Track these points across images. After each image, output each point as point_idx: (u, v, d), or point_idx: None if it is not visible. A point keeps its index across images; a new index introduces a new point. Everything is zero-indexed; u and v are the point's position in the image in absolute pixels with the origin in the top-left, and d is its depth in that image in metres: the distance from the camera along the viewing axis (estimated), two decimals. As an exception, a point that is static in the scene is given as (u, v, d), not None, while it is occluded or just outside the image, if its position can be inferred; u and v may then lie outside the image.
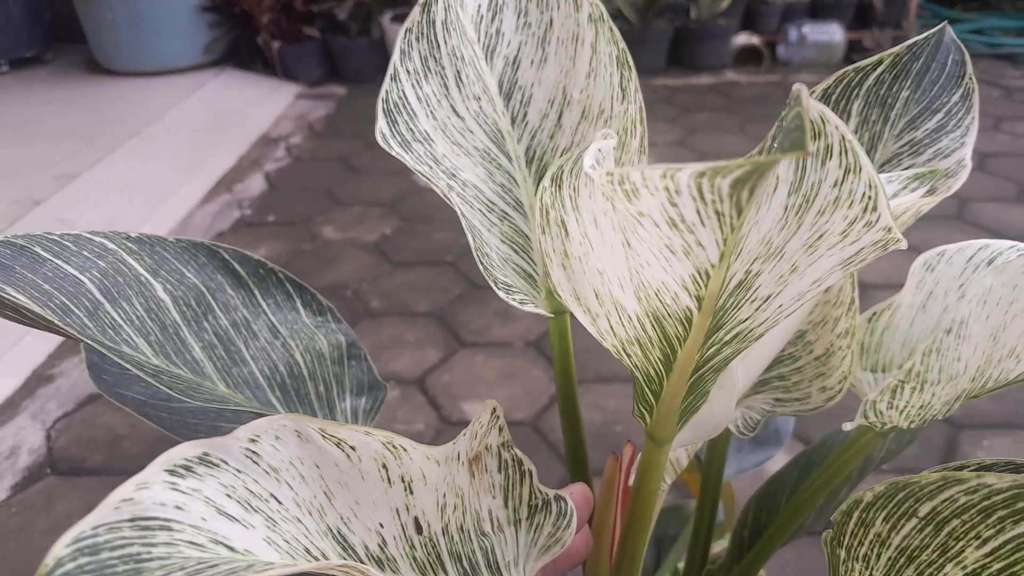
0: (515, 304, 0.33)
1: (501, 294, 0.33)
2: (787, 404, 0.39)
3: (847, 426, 0.32)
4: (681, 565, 0.59)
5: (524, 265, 0.37)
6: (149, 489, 0.14)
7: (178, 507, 0.14)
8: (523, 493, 0.25)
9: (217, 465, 0.16)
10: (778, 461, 1.05)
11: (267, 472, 0.17)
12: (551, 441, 1.23)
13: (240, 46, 3.27)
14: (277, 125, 2.76)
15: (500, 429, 0.25)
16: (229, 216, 2.09)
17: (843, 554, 0.26)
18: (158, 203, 2.09)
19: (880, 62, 0.40)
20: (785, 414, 0.39)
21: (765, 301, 0.22)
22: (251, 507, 0.16)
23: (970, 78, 0.41)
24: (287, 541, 0.17)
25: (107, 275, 0.35)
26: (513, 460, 0.26)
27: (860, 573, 0.25)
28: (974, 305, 0.27)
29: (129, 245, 0.39)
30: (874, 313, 0.36)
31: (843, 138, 0.18)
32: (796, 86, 0.17)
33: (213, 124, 2.70)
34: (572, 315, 0.39)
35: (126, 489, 0.14)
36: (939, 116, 0.41)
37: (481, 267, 0.33)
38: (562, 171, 0.23)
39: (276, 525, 0.17)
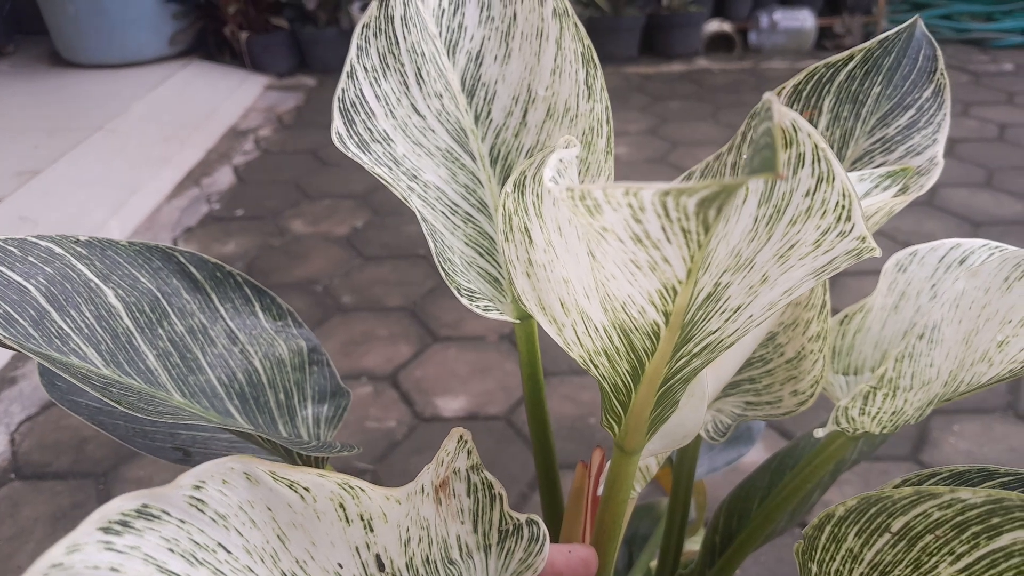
0: (479, 311, 0.32)
1: (464, 301, 0.32)
2: (758, 408, 0.39)
3: (819, 433, 0.31)
4: (653, 564, 0.59)
5: (489, 268, 0.36)
6: (81, 552, 0.13)
7: (113, 569, 0.13)
8: (493, 517, 0.24)
9: (158, 517, 0.14)
10: (751, 456, 1.05)
11: (214, 520, 0.15)
12: (525, 434, 1.22)
13: (207, 37, 3.21)
14: (246, 117, 2.72)
15: (469, 452, 0.24)
16: (197, 211, 2.05)
17: (815, 569, 0.25)
18: (124, 198, 2.05)
19: (851, 57, 0.40)
20: (756, 419, 0.38)
21: (735, 312, 0.22)
22: (196, 560, 0.15)
23: (942, 73, 0.41)
24: None
25: (54, 282, 0.33)
26: (483, 483, 0.24)
27: None
28: (947, 309, 0.27)
29: (78, 249, 0.38)
30: (845, 316, 0.35)
31: (816, 147, 0.17)
32: (766, 96, 0.16)
33: (180, 117, 2.66)
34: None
35: (56, 553, 0.13)
36: (911, 112, 0.41)
37: (443, 273, 0.32)
38: (524, 177, 0.22)
39: None
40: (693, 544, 0.64)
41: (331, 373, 0.44)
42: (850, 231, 0.19)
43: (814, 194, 0.18)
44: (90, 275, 0.37)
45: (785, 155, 0.17)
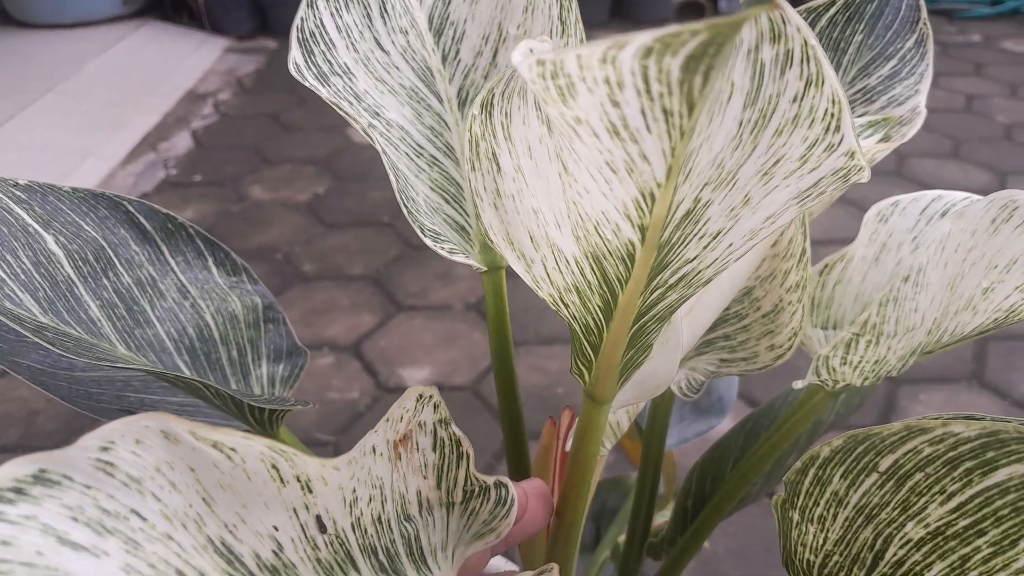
0: (444, 254, 0.30)
1: (428, 242, 0.30)
2: (733, 364, 0.38)
3: (798, 384, 0.30)
4: (622, 539, 0.58)
5: (456, 216, 0.35)
6: None
7: (5, 543, 0.11)
8: (458, 476, 0.23)
9: (58, 483, 0.12)
10: (723, 427, 1.05)
11: (126, 484, 0.13)
12: (492, 405, 1.21)
13: (163, -3, 3.11)
14: (204, 80, 2.64)
15: (436, 406, 0.22)
16: (154, 176, 1.99)
17: (796, 517, 0.24)
18: (76, 163, 1.98)
19: (833, 2, 0.38)
20: (731, 374, 0.37)
21: (714, 239, 0.20)
22: (105, 529, 0.13)
23: (924, 23, 0.40)
24: (153, 566, 0.14)
25: (-13, 226, 0.31)
26: (451, 439, 0.23)
27: (815, 536, 0.24)
28: (932, 252, 0.26)
29: (16, 193, 0.35)
30: (825, 265, 0.34)
31: (805, 43, 0.16)
32: None
33: (135, 79, 2.57)
34: (508, 271, 0.36)
35: None
36: (893, 63, 0.40)
37: (406, 211, 0.30)
38: (492, 95, 0.20)
39: (139, 547, 0.13)
40: (661, 518, 0.64)
41: (288, 332, 0.42)
42: (838, 144, 0.17)
43: (802, 100, 0.17)
44: (29, 220, 0.34)
45: (772, 51, 0.16)
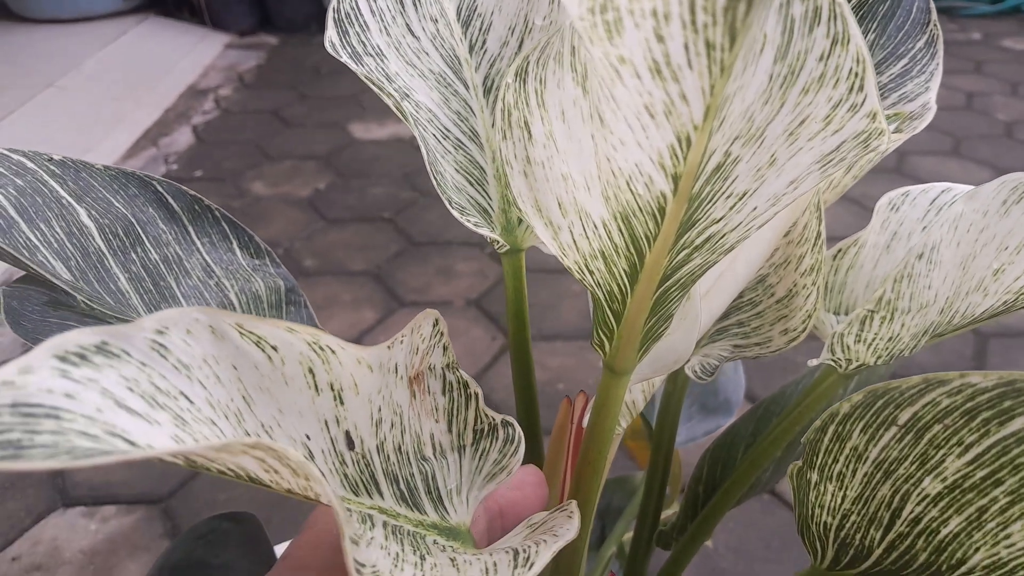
0: (470, 226, 0.32)
1: (455, 213, 0.31)
2: (747, 349, 0.39)
3: (812, 362, 0.31)
4: (627, 537, 0.58)
5: (479, 198, 0.36)
6: (34, 374, 0.12)
7: (68, 395, 0.12)
8: (468, 417, 0.24)
9: (118, 356, 0.13)
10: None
11: (176, 368, 0.14)
12: (493, 401, 1.22)
13: (164, -7, 3.11)
14: (205, 76, 2.64)
15: (444, 348, 0.23)
16: (155, 171, 2.00)
17: (815, 477, 0.25)
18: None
19: (847, 2, 0.40)
20: (745, 357, 0.38)
21: (740, 199, 0.21)
22: (157, 403, 0.14)
23: (935, 25, 0.41)
24: (198, 441, 0.14)
25: (24, 194, 0.32)
26: (459, 382, 0.24)
27: (833, 495, 0.24)
28: (945, 230, 0.27)
29: (51, 167, 0.36)
30: (839, 250, 0.35)
31: (833, 1, 0.16)
32: None
33: (136, 75, 2.57)
34: (526, 254, 0.38)
35: (7, 372, 0.12)
36: (904, 62, 0.41)
37: (435, 183, 0.31)
38: (527, 62, 0.21)
39: (186, 424, 0.14)
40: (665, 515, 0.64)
41: (309, 315, 0.43)
42: (861, 104, 0.18)
43: (828, 58, 0.17)
44: (63, 192, 0.35)
45: (802, 7, 0.16)
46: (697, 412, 0.62)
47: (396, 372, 0.21)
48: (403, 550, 0.19)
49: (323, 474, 0.18)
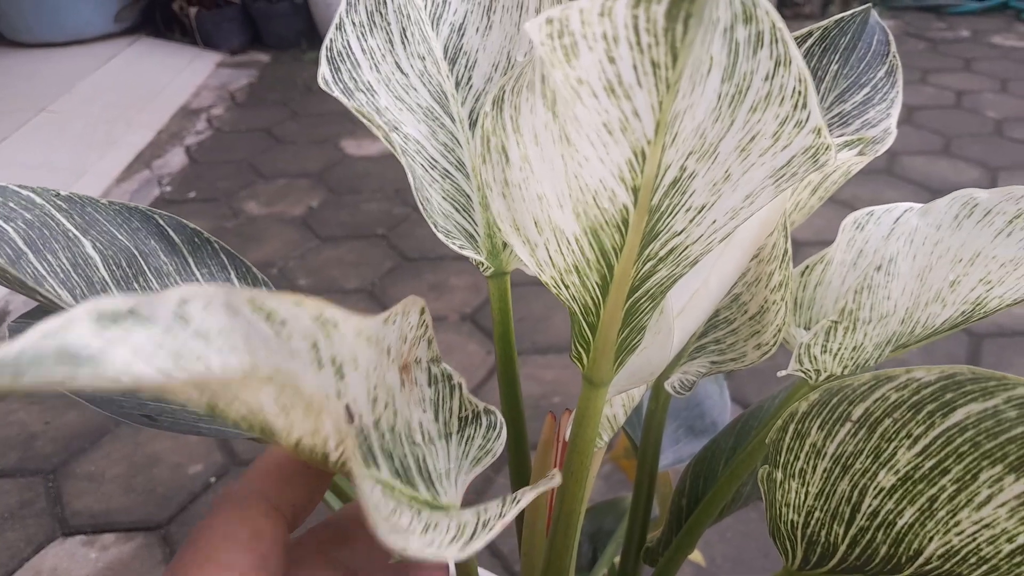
0: (455, 248, 0.34)
1: (441, 236, 0.33)
2: (723, 364, 0.40)
3: (781, 374, 0.33)
4: (618, 559, 0.60)
5: (465, 224, 0.37)
6: (73, 331, 0.13)
7: (103, 349, 0.14)
8: (453, 405, 0.26)
9: (146, 320, 0.15)
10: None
11: (197, 336, 0.16)
12: (486, 412, 1.23)
13: (154, 13, 3.13)
14: (197, 96, 2.66)
15: (429, 342, 0.25)
16: (149, 194, 2.01)
17: (779, 475, 0.26)
18: (71, 182, 1.99)
19: (810, 34, 0.42)
20: (721, 371, 0.40)
21: (699, 212, 0.23)
22: (180, 365, 0.15)
23: (894, 56, 0.43)
24: (224, 369, 0.16)
25: (32, 227, 0.34)
26: (443, 375, 0.26)
27: (796, 492, 0.26)
28: (902, 243, 0.28)
29: (58, 202, 0.38)
30: (807, 266, 0.37)
31: (774, 26, 0.18)
32: None
33: (128, 96, 2.59)
34: (511, 277, 0.39)
35: (49, 326, 0.13)
36: (866, 90, 0.43)
37: (422, 209, 0.33)
38: (503, 91, 0.23)
39: None
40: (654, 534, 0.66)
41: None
42: (806, 120, 0.20)
43: (772, 78, 0.19)
44: (69, 226, 0.37)
45: (745, 31, 0.18)
46: (684, 435, 0.64)
47: (389, 354, 0.22)
48: (400, 505, 0.21)
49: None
